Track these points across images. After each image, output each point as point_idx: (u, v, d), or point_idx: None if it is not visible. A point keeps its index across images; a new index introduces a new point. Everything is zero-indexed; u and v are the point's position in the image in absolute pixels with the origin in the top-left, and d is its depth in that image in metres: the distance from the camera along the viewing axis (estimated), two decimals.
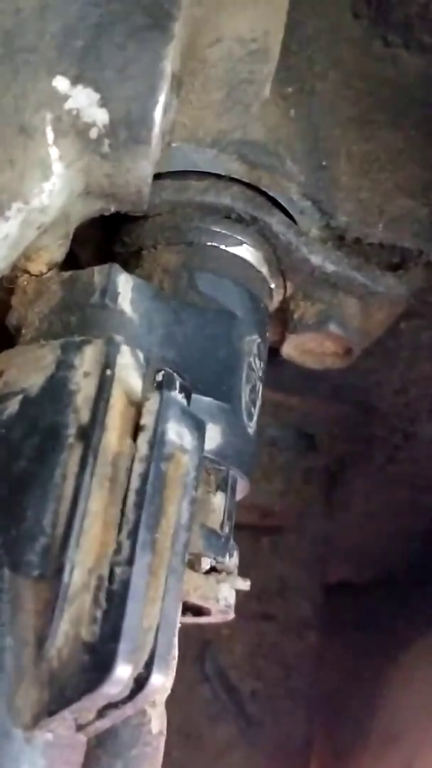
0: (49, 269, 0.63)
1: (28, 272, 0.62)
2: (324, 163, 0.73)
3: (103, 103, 0.53)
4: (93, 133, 0.54)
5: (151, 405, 0.51)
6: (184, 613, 0.63)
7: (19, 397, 0.55)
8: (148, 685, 0.47)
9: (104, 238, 0.74)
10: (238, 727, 1.07)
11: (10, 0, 0.51)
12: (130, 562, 0.46)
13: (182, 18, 0.56)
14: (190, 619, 0.66)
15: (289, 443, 1.02)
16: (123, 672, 0.45)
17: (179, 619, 0.57)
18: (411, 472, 1.02)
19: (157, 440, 0.50)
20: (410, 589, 1.07)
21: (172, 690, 0.56)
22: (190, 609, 0.64)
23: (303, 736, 1.06)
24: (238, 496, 0.67)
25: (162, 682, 0.48)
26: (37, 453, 0.51)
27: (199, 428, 0.54)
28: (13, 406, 0.54)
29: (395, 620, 1.07)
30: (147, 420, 0.51)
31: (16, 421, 0.54)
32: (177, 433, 0.52)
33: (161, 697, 0.56)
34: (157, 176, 0.65)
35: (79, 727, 0.48)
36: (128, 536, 0.47)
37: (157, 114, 0.54)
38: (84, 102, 0.53)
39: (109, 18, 0.53)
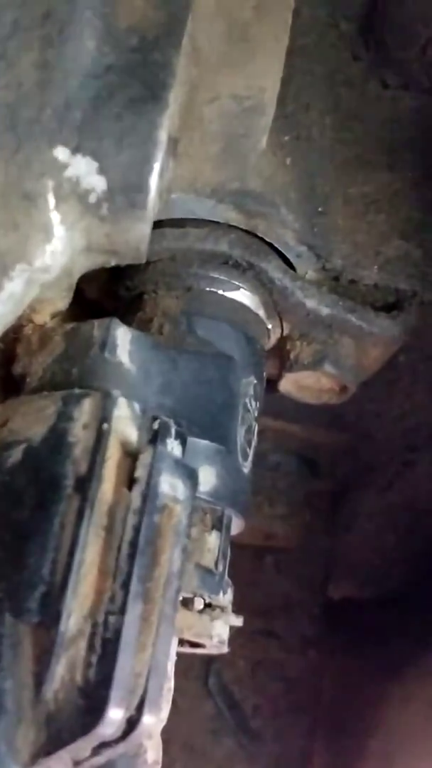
0: (53, 318, 0.66)
1: (33, 322, 0.65)
2: (320, 209, 0.75)
3: (102, 171, 0.56)
4: (92, 198, 0.57)
5: (145, 458, 0.54)
6: (181, 644, 0.66)
7: (23, 446, 0.58)
8: (139, 726, 0.50)
9: (109, 276, 0.77)
10: (239, 741, 1.10)
11: (13, 75, 0.55)
12: (122, 611, 0.49)
13: (178, 82, 0.59)
14: (187, 650, 0.69)
15: (291, 468, 1.05)
16: (115, 715, 0.48)
17: (175, 654, 0.60)
18: (411, 496, 1.05)
19: (150, 492, 0.53)
20: (413, 608, 1.10)
21: (177, 705, 0.60)
22: (186, 642, 0.67)
23: (302, 751, 1.09)
24: (233, 533, 0.70)
25: (153, 722, 0.51)
26: (38, 502, 0.55)
27: (191, 477, 0.57)
28: (16, 454, 0.58)
29: (397, 638, 1.10)
30: (141, 473, 0.54)
31: (19, 469, 0.57)
32: (170, 484, 0.55)
33: (157, 729, 0.60)
34: (158, 224, 0.68)
35: (76, 764, 0.51)
36: (121, 587, 0.50)
37: (153, 181, 0.56)
38: (83, 170, 0.56)
39: (108, 90, 0.56)
